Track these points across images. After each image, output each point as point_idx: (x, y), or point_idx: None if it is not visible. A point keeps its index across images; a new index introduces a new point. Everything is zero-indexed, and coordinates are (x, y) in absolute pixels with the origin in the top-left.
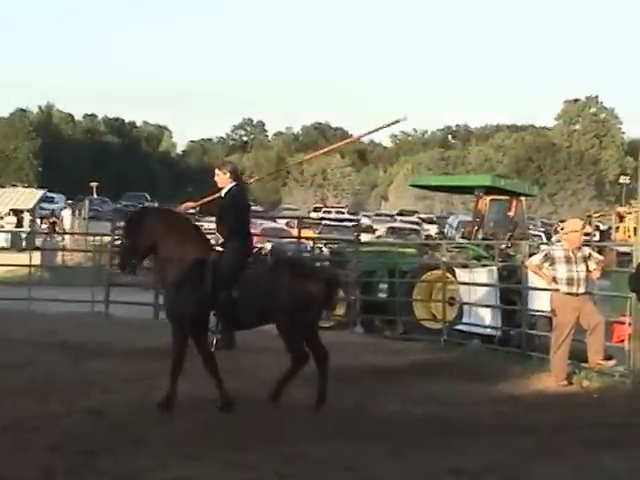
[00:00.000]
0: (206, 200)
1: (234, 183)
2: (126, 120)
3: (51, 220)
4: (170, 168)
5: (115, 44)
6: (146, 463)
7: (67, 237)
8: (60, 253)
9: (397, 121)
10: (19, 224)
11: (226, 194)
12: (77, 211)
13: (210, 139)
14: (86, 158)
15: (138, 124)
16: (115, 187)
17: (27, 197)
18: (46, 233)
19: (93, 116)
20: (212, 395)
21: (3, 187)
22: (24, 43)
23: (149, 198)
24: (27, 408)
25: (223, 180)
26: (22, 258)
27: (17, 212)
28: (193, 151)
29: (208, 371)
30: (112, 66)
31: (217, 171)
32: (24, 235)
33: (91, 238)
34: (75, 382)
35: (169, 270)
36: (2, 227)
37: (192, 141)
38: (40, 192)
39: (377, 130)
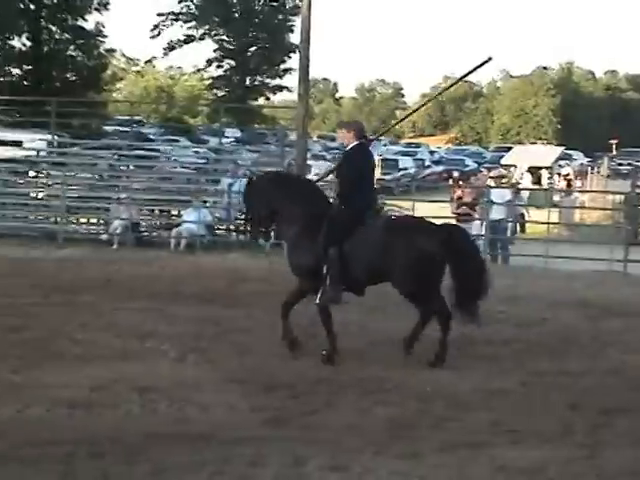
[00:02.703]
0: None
1: (357, 142)
2: None
3: (567, 177)
4: None
5: None
6: None
7: (586, 195)
8: (578, 211)
9: (486, 62)
10: (538, 181)
11: (347, 151)
12: (596, 168)
13: None
14: (606, 115)
15: None
16: (636, 143)
17: (546, 154)
18: (563, 190)
19: (614, 72)
20: None
21: (523, 144)
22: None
23: None
24: (547, 364)
25: (347, 138)
26: (540, 215)
27: (534, 170)
28: None
29: (321, 321)
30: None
31: (342, 129)
32: (542, 192)
33: (610, 196)
34: (593, 341)
35: (289, 228)
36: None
37: None
38: (559, 149)
39: (468, 74)
